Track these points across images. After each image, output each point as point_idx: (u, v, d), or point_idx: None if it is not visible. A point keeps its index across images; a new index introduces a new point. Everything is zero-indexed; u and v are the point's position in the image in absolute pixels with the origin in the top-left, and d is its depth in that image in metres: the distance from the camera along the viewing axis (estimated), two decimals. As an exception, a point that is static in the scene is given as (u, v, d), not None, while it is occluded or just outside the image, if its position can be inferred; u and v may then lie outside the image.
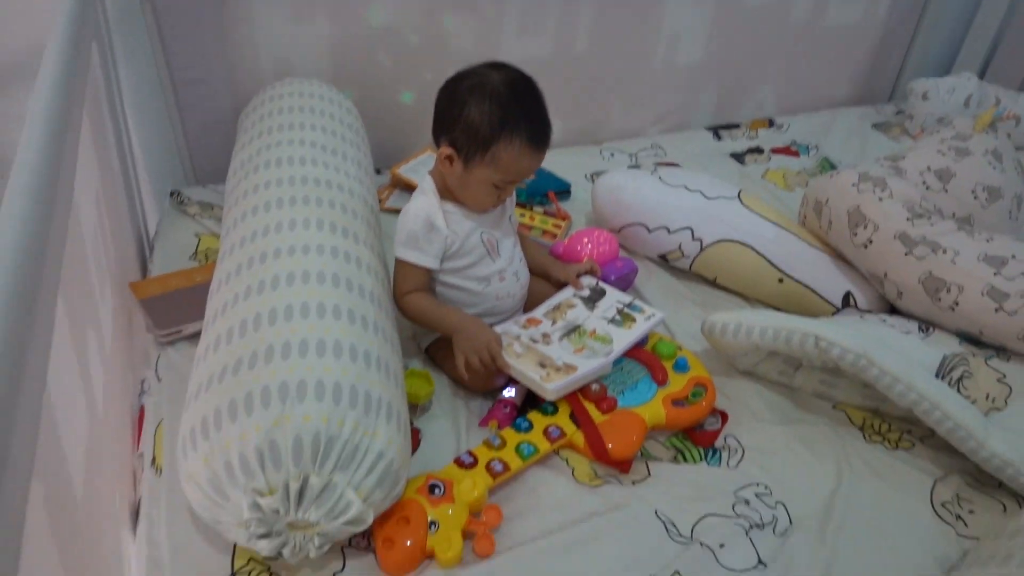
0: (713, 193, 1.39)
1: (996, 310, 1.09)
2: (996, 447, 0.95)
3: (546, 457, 0.98)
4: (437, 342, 1.13)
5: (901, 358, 1.01)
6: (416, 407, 1.04)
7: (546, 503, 0.93)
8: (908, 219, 1.21)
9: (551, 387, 0.98)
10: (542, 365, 1.02)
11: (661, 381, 1.06)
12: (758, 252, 1.31)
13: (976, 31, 2.19)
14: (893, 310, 1.27)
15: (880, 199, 1.24)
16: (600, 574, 0.85)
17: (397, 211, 1.21)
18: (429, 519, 0.84)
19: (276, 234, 0.99)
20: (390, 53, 1.59)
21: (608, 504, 0.93)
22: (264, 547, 0.76)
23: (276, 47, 1.50)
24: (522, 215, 1.50)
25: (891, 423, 1.10)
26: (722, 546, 0.90)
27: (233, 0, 1.42)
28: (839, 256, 1.33)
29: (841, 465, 1.03)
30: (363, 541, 0.86)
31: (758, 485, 0.99)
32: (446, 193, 1.08)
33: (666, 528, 0.91)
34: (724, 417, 1.07)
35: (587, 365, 1.03)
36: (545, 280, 1.24)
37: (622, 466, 0.98)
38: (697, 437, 1.05)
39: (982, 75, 2.16)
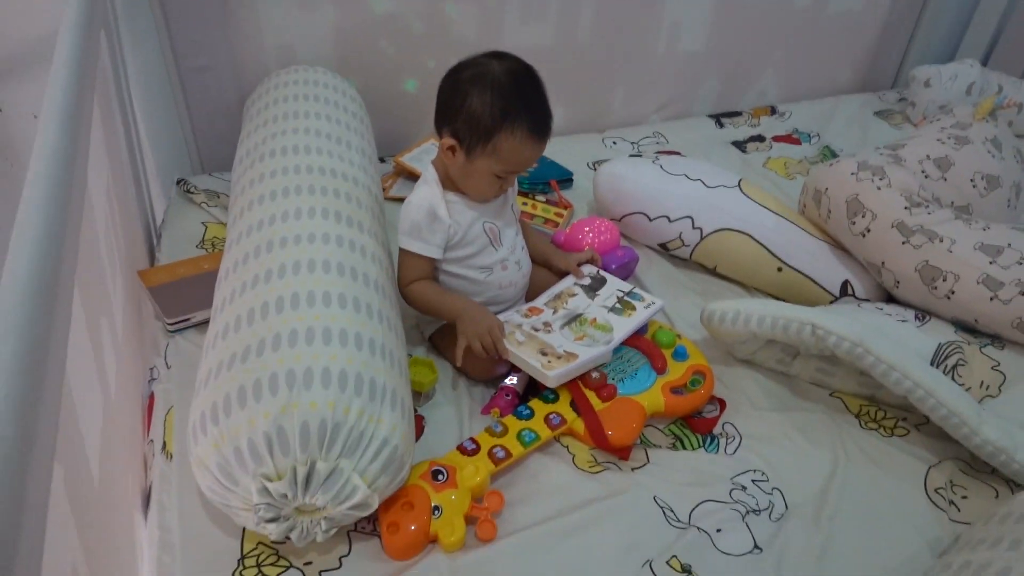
0: (714, 182, 1.40)
1: (991, 299, 1.10)
2: (989, 434, 0.97)
3: (547, 444, 1.01)
4: (440, 330, 1.15)
5: (897, 346, 1.02)
6: (420, 395, 1.06)
7: (547, 489, 0.95)
8: (906, 208, 1.22)
9: (552, 375, 1.00)
10: (543, 353, 1.04)
11: (660, 369, 1.08)
12: (758, 241, 1.33)
13: (979, 18, 2.18)
14: (890, 298, 1.29)
15: (878, 188, 1.25)
16: (600, 558, 0.87)
17: (401, 199, 1.22)
18: (433, 504, 0.86)
19: (282, 223, 1.01)
20: (393, 40, 1.59)
21: (608, 490, 0.95)
22: (272, 531, 0.78)
23: (280, 34, 1.51)
24: (524, 204, 1.51)
25: (887, 410, 1.12)
26: (719, 531, 0.92)
27: (237, -13, 1.43)
28: (838, 245, 1.34)
29: (837, 452, 1.04)
30: (368, 526, 0.88)
31: (755, 471, 1.01)
32: (448, 183, 1.09)
33: (664, 513, 0.93)
34: (722, 404, 1.09)
35: (587, 353, 1.04)
36: (547, 269, 1.25)
37: (622, 453, 1.00)
38: (695, 424, 1.06)
39: (985, 62, 2.16)
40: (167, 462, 0.93)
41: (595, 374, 1.05)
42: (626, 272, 1.33)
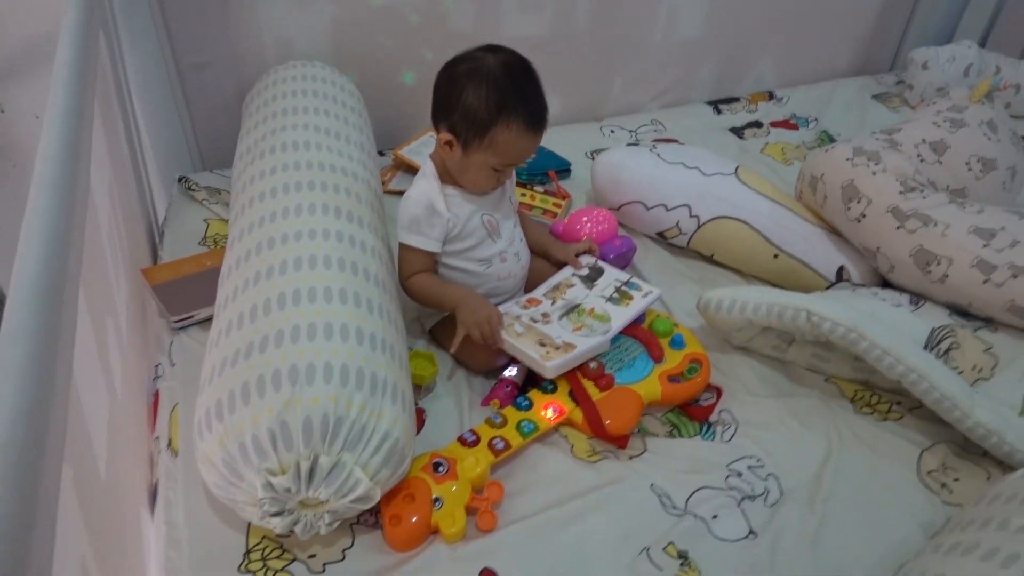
0: (710, 170, 1.40)
1: (984, 282, 1.11)
2: (981, 417, 0.98)
3: (546, 434, 1.02)
4: (441, 323, 1.17)
5: (891, 331, 1.03)
6: (420, 388, 1.07)
7: (546, 479, 0.96)
8: (900, 193, 1.22)
9: (550, 365, 1.02)
10: (542, 344, 1.05)
11: (657, 358, 1.09)
12: (754, 228, 1.33)
13: (978, -1, 2.17)
14: (886, 283, 1.30)
15: (874, 173, 1.26)
16: (598, 546, 0.89)
17: (400, 193, 1.23)
18: (434, 496, 0.88)
19: (283, 220, 1.02)
20: (391, 33, 1.59)
21: (606, 479, 0.97)
22: (277, 525, 0.80)
23: (278, 30, 1.51)
24: (523, 195, 1.52)
25: (881, 395, 1.13)
26: (715, 517, 0.93)
27: (235, -17, 1.44)
28: (834, 230, 1.35)
29: (831, 437, 1.06)
30: (371, 518, 0.90)
31: (751, 458, 1.02)
32: (446, 176, 1.10)
33: (661, 501, 0.95)
34: (719, 392, 1.11)
35: (585, 343, 1.06)
36: (545, 259, 1.27)
37: (619, 442, 1.01)
38: (692, 412, 1.08)
39: (983, 43, 2.15)
40: (173, 458, 0.95)
41: (593, 364, 1.06)
42: (624, 261, 1.34)
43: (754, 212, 1.35)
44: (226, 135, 1.50)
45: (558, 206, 1.52)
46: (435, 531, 0.88)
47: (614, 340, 1.11)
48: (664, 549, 0.89)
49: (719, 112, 1.95)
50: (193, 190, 1.46)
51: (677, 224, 1.38)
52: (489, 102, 0.99)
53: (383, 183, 1.51)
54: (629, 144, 1.73)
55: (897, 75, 2.18)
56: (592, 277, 1.21)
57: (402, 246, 1.11)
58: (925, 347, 1.10)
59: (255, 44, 1.51)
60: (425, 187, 1.09)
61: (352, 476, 0.80)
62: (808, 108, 1.98)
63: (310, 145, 1.19)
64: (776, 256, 1.33)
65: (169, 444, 0.97)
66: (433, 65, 1.07)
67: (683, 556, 0.88)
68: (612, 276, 1.21)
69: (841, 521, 0.94)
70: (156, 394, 1.06)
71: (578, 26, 1.74)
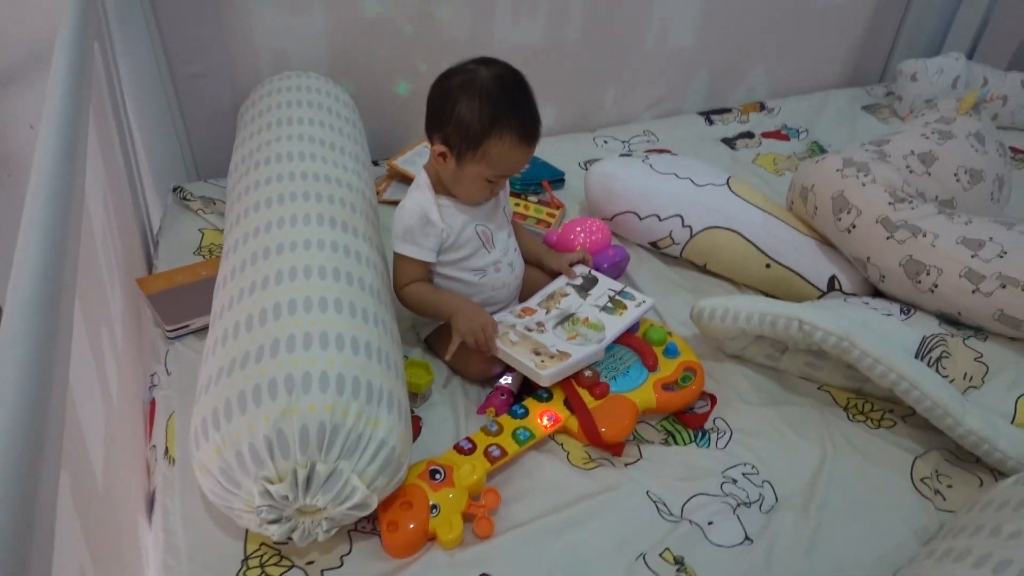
0: (702, 180, 1.42)
1: (973, 291, 1.12)
2: (972, 424, 0.99)
3: (542, 442, 1.03)
4: (436, 332, 1.17)
5: (882, 340, 1.05)
6: (416, 396, 1.08)
7: (542, 486, 0.97)
8: (890, 204, 1.24)
9: (545, 374, 1.02)
10: (536, 353, 1.06)
11: (652, 366, 1.10)
12: (746, 238, 1.35)
13: (964, 11, 2.21)
14: (877, 293, 1.31)
15: (863, 184, 1.27)
16: (594, 552, 0.89)
17: (395, 203, 1.24)
18: (431, 503, 0.88)
19: (278, 230, 1.02)
20: (385, 44, 1.61)
21: (601, 486, 0.97)
22: (275, 532, 0.80)
23: (273, 40, 1.53)
24: (517, 204, 1.53)
25: (874, 403, 1.14)
26: (710, 523, 0.94)
27: (230, -6, 1.45)
28: (825, 241, 1.36)
29: (825, 444, 1.07)
30: (368, 525, 0.90)
31: (745, 465, 1.03)
32: (440, 187, 1.11)
33: (657, 508, 0.95)
34: (713, 400, 1.11)
35: (580, 352, 1.06)
36: (539, 269, 1.27)
37: (615, 449, 1.02)
38: (687, 420, 1.09)
39: (971, 55, 2.18)
40: (170, 467, 0.95)
41: (588, 372, 1.07)
42: (618, 271, 1.35)
43: (746, 222, 1.36)
44: (221, 145, 1.51)
45: (552, 216, 1.53)
46: (432, 538, 0.88)
47: (608, 349, 1.11)
48: (660, 555, 0.89)
49: (711, 123, 1.97)
50: (188, 200, 1.47)
51: (670, 234, 1.40)
52: (482, 115, 1.00)
53: (378, 193, 1.52)
54: (622, 155, 1.75)
55: (887, 86, 2.21)
56: (586, 287, 1.22)
57: (397, 256, 1.12)
58: (916, 356, 1.11)
59: (250, 54, 1.52)
60: (419, 197, 1.10)
61: (349, 484, 0.80)
62: (799, 119, 2.00)
63: (304, 156, 1.20)
64: (768, 266, 1.34)
65: (166, 452, 0.97)
66: (427, 75, 1.08)
67: (679, 562, 0.89)
68: (606, 285, 1.22)
69: (835, 527, 0.95)
70: (152, 403, 1.06)
71: (571, 37, 1.76)
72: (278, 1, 1.48)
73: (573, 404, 1.04)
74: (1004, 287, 1.10)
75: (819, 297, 1.32)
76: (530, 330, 1.11)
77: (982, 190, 1.36)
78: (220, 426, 0.80)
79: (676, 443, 1.06)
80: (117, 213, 1.17)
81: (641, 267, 1.42)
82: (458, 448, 0.97)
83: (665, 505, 0.96)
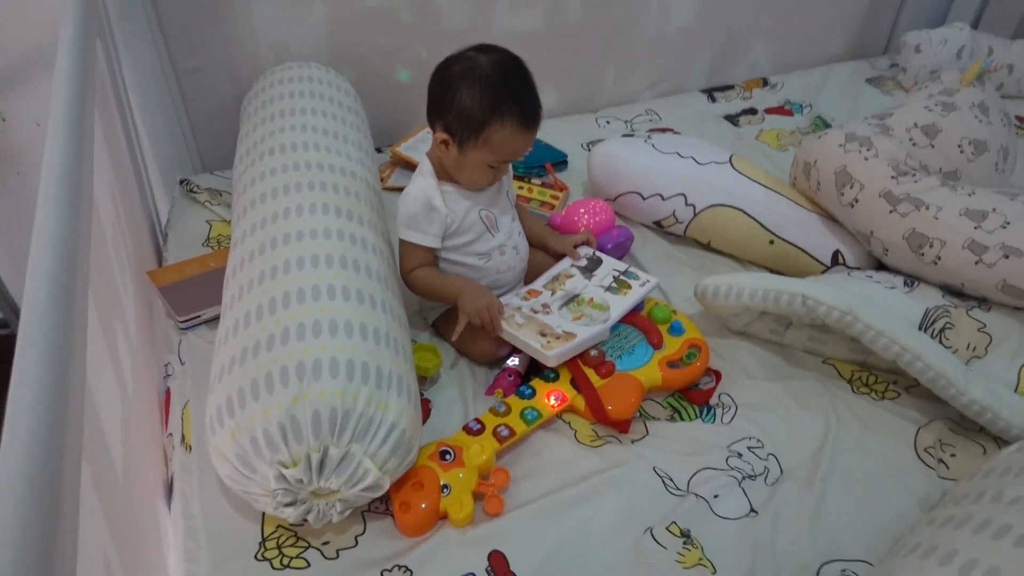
0: (705, 159, 1.42)
1: (976, 263, 1.13)
2: (975, 394, 1.00)
3: (549, 421, 1.04)
4: (443, 316, 1.19)
5: (885, 313, 1.05)
6: (425, 379, 1.10)
7: (550, 464, 0.99)
8: (893, 177, 1.24)
9: (551, 354, 1.04)
10: (543, 334, 1.07)
11: (657, 345, 1.11)
12: (749, 215, 1.35)
13: (969, -21, 2.18)
14: (881, 266, 1.32)
15: (866, 159, 1.27)
16: (603, 527, 0.91)
17: (399, 189, 1.25)
18: (441, 483, 0.91)
19: (284, 220, 1.04)
20: (385, 32, 1.61)
21: (609, 462, 0.99)
22: (290, 514, 0.83)
23: (273, 31, 1.53)
24: (520, 187, 1.54)
25: (878, 375, 1.15)
26: (716, 497, 0.96)
27: (229, -14, 1.45)
28: (828, 216, 1.37)
29: (830, 417, 1.08)
30: (381, 506, 0.92)
31: (751, 439, 1.04)
32: (443, 174, 1.12)
33: (664, 482, 0.97)
34: (718, 376, 1.13)
35: (585, 332, 1.08)
36: (544, 251, 1.29)
37: (621, 426, 1.03)
38: (692, 396, 1.10)
39: (975, 25, 2.16)
40: (187, 454, 0.97)
41: (594, 352, 1.08)
42: (622, 251, 1.36)
43: (749, 200, 1.36)
44: (225, 137, 1.52)
45: (555, 198, 1.53)
46: (444, 516, 0.90)
47: (614, 328, 1.13)
48: (667, 528, 0.91)
49: (714, 100, 1.96)
50: (195, 192, 1.48)
51: (673, 213, 1.40)
52: (483, 102, 1.01)
53: (382, 180, 1.53)
54: (624, 135, 1.75)
55: (891, 58, 2.19)
56: (591, 267, 1.23)
57: (402, 242, 1.13)
58: (920, 327, 1.12)
59: (250, 46, 1.53)
60: (423, 184, 1.11)
61: (361, 466, 0.82)
62: (802, 94, 1.99)
63: (308, 146, 1.21)
64: (772, 242, 1.35)
65: (182, 440, 0.99)
66: (427, 62, 1.09)
67: (686, 535, 0.91)
68: (610, 266, 1.23)
69: (839, 498, 0.96)
70: (167, 392, 1.08)
71: (571, 18, 1.75)
72: (277, -9, 1.49)
73: (579, 383, 1.06)
74: (1007, 257, 1.11)
75: (823, 272, 1.33)
76: (536, 312, 1.12)
77: (986, 161, 1.36)
78: (235, 413, 0.82)
79: (682, 419, 1.08)
80: (126, 208, 1.19)
81: (645, 246, 1.42)
82: (467, 429, 0.99)
83: (672, 480, 0.98)
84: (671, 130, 1.78)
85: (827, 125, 1.85)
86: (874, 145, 1.29)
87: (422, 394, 1.05)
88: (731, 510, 0.94)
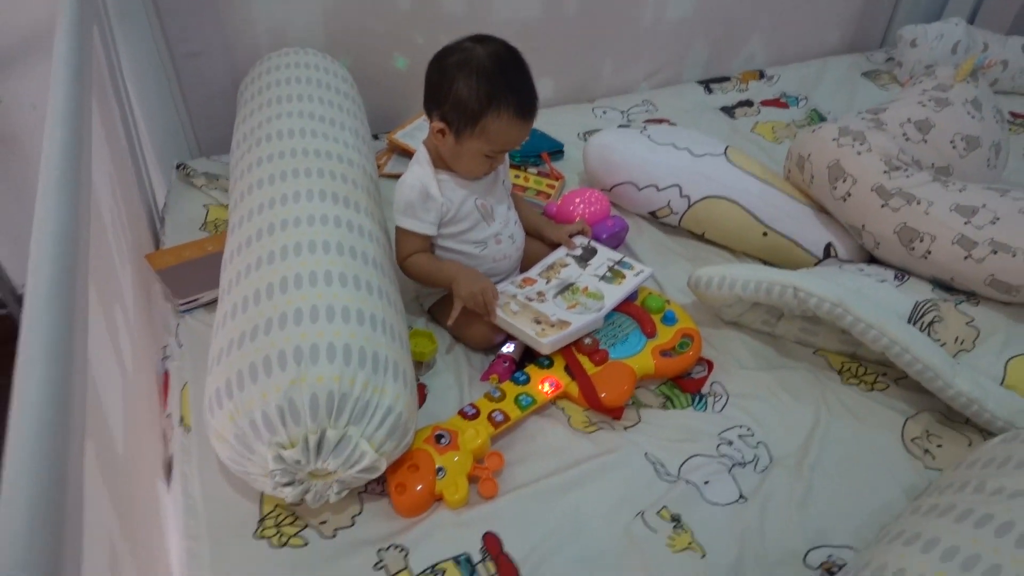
0: (700, 150, 1.43)
1: (965, 258, 1.14)
2: (962, 386, 1.02)
3: (543, 407, 1.06)
4: (439, 302, 1.20)
5: (875, 306, 1.07)
6: (421, 364, 1.11)
7: (544, 449, 1.00)
8: (885, 172, 1.25)
9: (546, 342, 1.05)
10: (537, 322, 1.09)
11: (650, 334, 1.13)
12: (743, 207, 1.37)
13: (966, -26, 2.19)
14: (872, 259, 1.33)
15: (859, 153, 1.29)
16: (595, 510, 0.93)
17: (395, 176, 1.26)
18: (437, 466, 0.92)
19: (281, 206, 1.05)
20: (382, 19, 1.61)
21: (601, 448, 1.01)
22: (288, 494, 0.84)
23: (270, 17, 1.53)
24: (516, 176, 1.55)
25: (867, 366, 1.17)
26: (707, 483, 0.97)
27: (226, -29, 1.45)
28: (821, 209, 1.38)
29: (819, 406, 1.10)
30: (378, 487, 0.93)
31: (741, 427, 1.06)
32: (440, 162, 1.13)
33: (655, 468, 0.99)
34: (710, 365, 1.14)
35: (580, 320, 1.09)
36: (540, 240, 1.30)
37: (614, 413, 1.05)
38: (684, 384, 1.12)
39: (972, 19, 2.17)
40: (186, 434, 0.99)
41: (588, 340, 1.10)
42: (617, 241, 1.37)
43: (743, 192, 1.38)
44: (222, 122, 1.52)
45: (551, 187, 1.54)
46: (439, 498, 0.92)
47: (608, 317, 1.14)
48: (658, 513, 0.93)
49: (710, 91, 1.97)
50: (191, 176, 1.49)
51: (668, 204, 1.41)
52: (479, 92, 1.01)
53: (379, 167, 1.54)
54: (620, 126, 1.76)
55: (887, 52, 2.20)
56: (585, 257, 1.24)
57: (398, 229, 1.14)
58: (909, 321, 1.14)
59: (247, 31, 1.53)
60: (419, 172, 1.12)
61: (358, 448, 0.83)
62: (798, 86, 2.00)
63: (305, 132, 1.21)
64: (765, 234, 1.36)
65: (181, 421, 1.00)
66: (424, 49, 1.09)
67: (676, 519, 0.92)
68: (605, 256, 1.24)
69: (827, 486, 0.98)
70: (166, 374, 1.09)
71: (569, 8, 1.76)
72: (274, -23, 1.49)
73: (573, 371, 1.07)
74: (996, 253, 1.12)
75: (815, 264, 1.34)
76: (531, 300, 1.14)
77: (978, 157, 1.38)
78: (233, 395, 0.83)
79: (674, 407, 1.09)
80: (123, 192, 1.19)
81: (640, 237, 1.44)
82: (462, 414, 1.00)
83: (663, 466, 0.99)
84: (667, 121, 1.79)
85: (822, 118, 1.86)
86: (867, 140, 1.30)
87: (418, 379, 1.06)
88: (721, 496, 0.96)
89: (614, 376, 1.06)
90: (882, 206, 1.23)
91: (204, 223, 1.39)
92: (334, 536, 0.88)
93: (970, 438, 1.07)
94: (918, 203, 1.20)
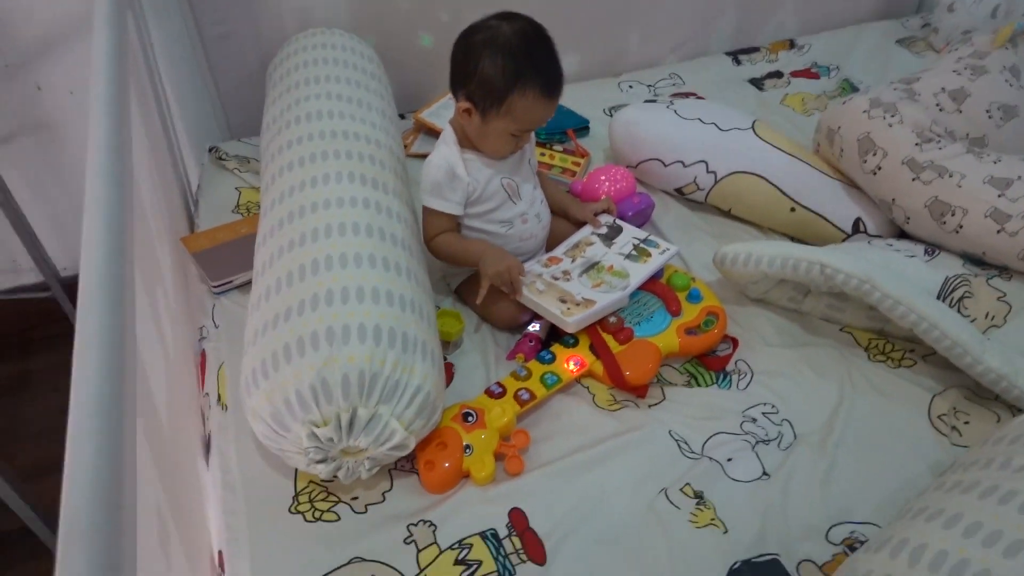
0: (727, 125, 1.42)
1: (998, 231, 1.13)
2: (991, 362, 1.01)
3: (568, 386, 1.08)
4: (466, 282, 1.22)
5: (903, 281, 1.06)
6: (449, 344, 1.13)
7: (569, 427, 1.02)
8: (916, 144, 1.23)
9: (571, 320, 1.07)
10: (563, 300, 1.10)
11: (675, 312, 1.14)
12: (770, 182, 1.35)
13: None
14: (902, 234, 1.32)
15: (890, 125, 1.27)
16: (619, 487, 0.95)
17: (422, 156, 1.27)
18: (464, 443, 0.95)
19: (312, 189, 1.07)
20: (407, -4, 1.61)
21: (626, 426, 1.02)
22: (322, 471, 0.87)
23: (297, -3, 1.54)
24: (542, 154, 1.55)
25: (895, 343, 1.16)
26: (730, 460, 0.99)
27: (253, -46, 1.46)
28: (851, 183, 1.36)
29: (844, 384, 1.10)
30: (407, 464, 0.97)
31: (765, 404, 1.07)
32: (466, 142, 1.14)
33: (679, 446, 1.00)
34: (735, 343, 1.15)
35: (605, 299, 1.10)
36: (565, 219, 1.30)
37: (639, 391, 1.06)
38: (709, 362, 1.12)
39: (1013, -19, 2.09)
40: (223, 413, 1.03)
41: (612, 318, 1.11)
42: (643, 218, 1.37)
43: (771, 166, 1.36)
44: (252, 104, 1.55)
45: (577, 164, 1.54)
46: (466, 475, 0.94)
47: (633, 295, 1.15)
48: (681, 489, 0.94)
49: (738, 63, 1.94)
50: (224, 159, 1.51)
51: (695, 180, 1.41)
52: (505, 71, 1.02)
53: (405, 147, 1.55)
54: (647, 100, 1.74)
55: (923, 18, 2.13)
56: (611, 235, 1.24)
57: (425, 209, 1.16)
58: (938, 296, 1.13)
59: (274, 13, 1.54)
60: (446, 152, 1.13)
61: (388, 427, 0.86)
62: (830, 56, 1.95)
63: (333, 114, 1.23)
64: (793, 209, 1.35)
65: (218, 399, 1.04)
66: (450, 26, 1.09)
67: (699, 496, 0.94)
68: (630, 234, 1.24)
69: (851, 463, 0.99)
70: (203, 354, 1.13)
71: (594, -19, 1.74)
72: (301, -43, 1.49)
73: (598, 349, 1.08)
74: (1030, 226, 1.10)
75: (844, 239, 1.33)
76: (556, 279, 1.15)
77: (1015, 126, 1.34)
78: (269, 375, 0.87)
79: (698, 385, 1.10)
80: (160, 176, 1.23)
81: (666, 214, 1.43)
82: (489, 392, 1.03)
83: (687, 443, 1.01)
84: (694, 94, 1.77)
85: (855, 88, 1.82)
86: (899, 111, 1.28)
87: (445, 358, 1.09)
88: (744, 473, 0.97)
89: (639, 354, 1.07)
90: (913, 179, 1.22)
91: (237, 206, 1.43)
92: (365, 512, 0.91)
93: (998, 414, 1.06)
94: (950, 176, 1.18)
